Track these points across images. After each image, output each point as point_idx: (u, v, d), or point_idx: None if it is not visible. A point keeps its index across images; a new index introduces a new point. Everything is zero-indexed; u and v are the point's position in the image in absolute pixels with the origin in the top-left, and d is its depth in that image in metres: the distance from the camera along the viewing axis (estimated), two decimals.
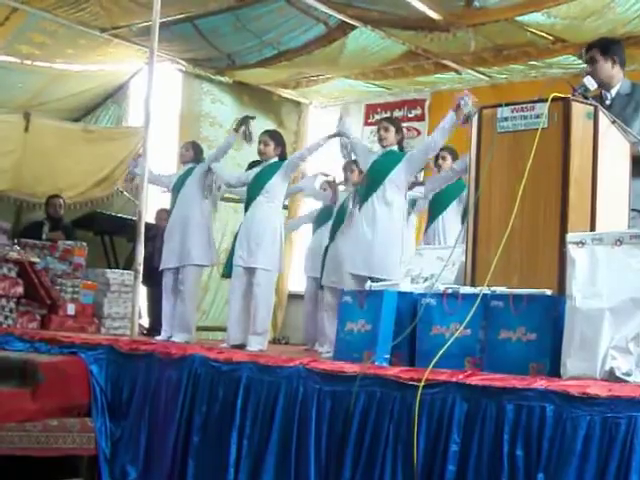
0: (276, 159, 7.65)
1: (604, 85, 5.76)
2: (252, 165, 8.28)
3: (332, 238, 8.36)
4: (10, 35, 10.02)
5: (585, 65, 8.32)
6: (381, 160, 7.21)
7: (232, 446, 5.13)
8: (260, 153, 7.71)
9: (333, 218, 8.50)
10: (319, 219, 9.06)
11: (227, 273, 7.97)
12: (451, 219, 8.29)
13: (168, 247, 8.07)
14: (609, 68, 5.76)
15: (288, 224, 9.66)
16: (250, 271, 7.41)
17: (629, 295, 4.20)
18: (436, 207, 8.41)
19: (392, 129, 7.32)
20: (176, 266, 8.01)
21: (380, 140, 7.33)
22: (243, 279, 7.46)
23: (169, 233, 8.11)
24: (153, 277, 8.46)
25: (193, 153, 8.34)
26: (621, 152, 5.47)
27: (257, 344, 7.19)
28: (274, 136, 7.80)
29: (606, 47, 5.81)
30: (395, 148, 7.31)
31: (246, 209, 7.61)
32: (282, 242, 7.65)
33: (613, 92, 5.77)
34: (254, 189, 7.58)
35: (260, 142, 7.73)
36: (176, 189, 8.14)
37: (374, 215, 7.08)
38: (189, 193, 8.06)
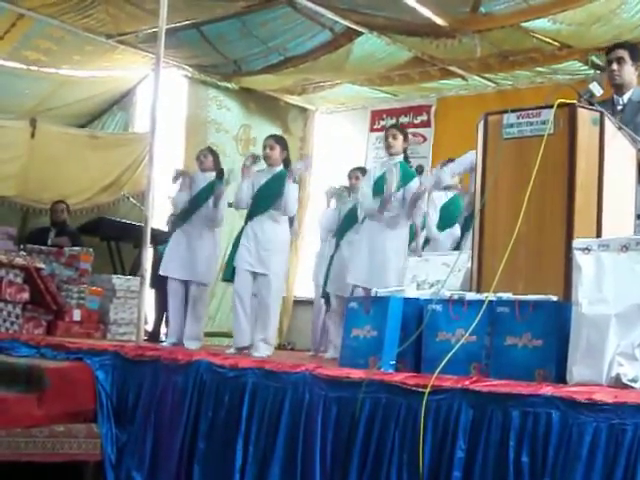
0: (281, 165, 7.61)
1: (619, 89, 5.76)
2: None
3: (337, 246, 8.38)
4: (17, 41, 10.05)
5: (592, 71, 8.38)
6: (386, 177, 7.25)
7: (238, 452, 5.13)
8: (265, 157, 7.65)
9: (338, 226, 8.52)
10: (328, 227, 9.02)
11: (229, 277, 7.89)
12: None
13: (176, 256, 8.06)
14: (633, 72, 5.76)
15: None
16: (259, 277, 7.39)
17: (635, 301, 4.20)
18: (445, 217, 8.40)
19: (400, 137, 7.38)
20: (185, 279, 8.02)
21: (388, 147, 7.38)
22: (250, 284, 7.43)
23: (178, 241, 8.10)
24: (161, 281, 8.45)
25: (212, 159, 8.30)
26: (627, 158, 5.47)
27: (266, 350, 7.19)
28: (279, 141, 7.75)
29: (635, 50, 5.81)
30: (401, 157, 7.37)
31: (252, 216, 7.56)
32: (288, 253, 7.67)
33: (625, 98, 5.76)
34: (263, 201, 7.49)
35: (265, 146, 7.66)
36: (198, 200, 8.10)
37: (379, 228, 7.16)
38: (209, 209, 8.04)
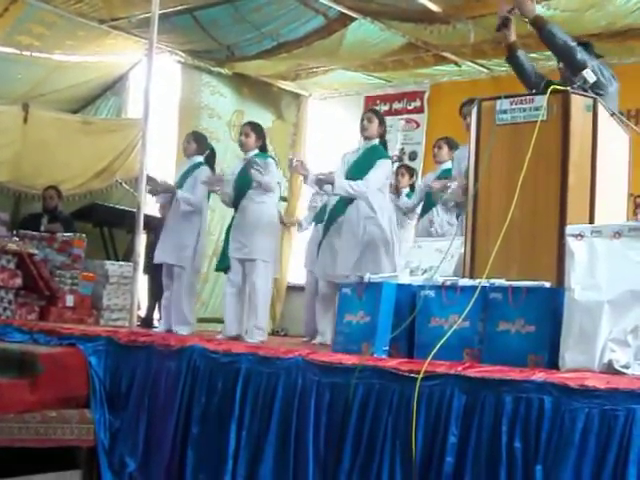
0: (257, 151, 7.62)
1: None
2: None
3: (327, 231, 8.40)
4: (9, 26, 10.00)
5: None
6: (360, 161, 7.26)
7: (231, 437, 5.14)
8: (241, 144, 7.68)
9: (328, 212, 8.53)
10: (320, 214, 9.01)
11: (222, 267, 7.91)
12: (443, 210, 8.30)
13: (162, 241, 8.05)
14: None
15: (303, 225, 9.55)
16: (247, 263, 7.39)
17: (628, 287, 4.21)
18: (430, 198, 8.42)
19: (375, 120, 7.42)
20: (167, 262, 7.98)
21: (362, 130, 7.39)
22: (239, 271, 7.44)
23: (166, 227, 8.08)
24: (154, 267, 8.44)
25: (196, 145, 8.26)
26: (620, 144, 5.48)
27: (258, 336, 7.18)
28: (255, 128, 7.75)
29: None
30: (376, 141, 7.37)
31: (236, 202, 7.56)
32: (277, 234, 7.64)
33: None
34: (243, 184, 7.52)
35: (241, 133, 7.69)
36: (178, 185, 8.09)
37: (360, 215, 7.18)
38: (187, 192, 8.01)
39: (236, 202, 7.56)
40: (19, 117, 10.88)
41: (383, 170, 7.25)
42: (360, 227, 7.23)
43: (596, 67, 5.51)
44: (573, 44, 5.58)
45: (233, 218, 7.60)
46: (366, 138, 7.41)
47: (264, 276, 7.38)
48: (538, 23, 5.59)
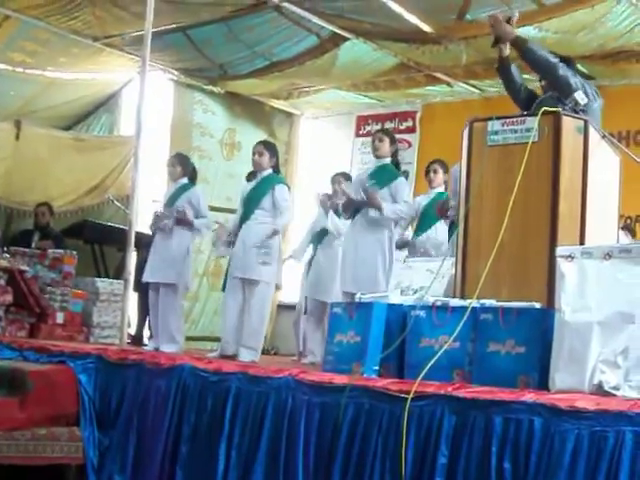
0: (270, 170, 7.60)
1: None
2: (250, 176, 8.24)
3: (315, 251, 8.40)
4: (2, 43, 10.01)
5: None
6: (372, 176, 7.29)
7: (220, 456, 5.13)
8: (254, 164, 7.66)
9: (317, 231, 8.54)
10: (319, 236, 8.94)
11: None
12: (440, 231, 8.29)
13: (150, 260, 8.05)
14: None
15: (295, 253, 9.42)
16: (248, 283, 7.36)
17: (617, 309, 4.22)
18: (425, 219, 8.40)
19: (387, 140, 7.45)
20: (158, 281, 7.98)
21: (374, 150, 7.43)
22: (239, 291, 7.39)
23: (154, 246, 8.09)
24: (145, 285, 8.43)
25: (181, 168, 8.27)
26: (611, 166, 5.50)
27: (247, 355, 7.14)
28: (269, 147, 7.75)
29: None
30: (388, 160, 7.39)
31: (242, 222, 7.54)
32: (280, 255, 7.64)
33: None
34: (250, 204, 7.50)
35: (255, 152, 7.66)
36: (168, 206, 8.11)
37: (362, 231, 7.19)
38: (178, 211, 8.02)
39: (242, 220, 7.52)
40: (11, 134, 10.87)
41: (406, 188, 7.44)
42: (357, 245, 7.25)
43: (579, 83, 5.53)
44: (555, 60, 5.61)
45: (236, 237, 7.57)
46: (378, 157, 7.44)
47: (262, 298, 7.35)
48: (518, 43, 5.62)
